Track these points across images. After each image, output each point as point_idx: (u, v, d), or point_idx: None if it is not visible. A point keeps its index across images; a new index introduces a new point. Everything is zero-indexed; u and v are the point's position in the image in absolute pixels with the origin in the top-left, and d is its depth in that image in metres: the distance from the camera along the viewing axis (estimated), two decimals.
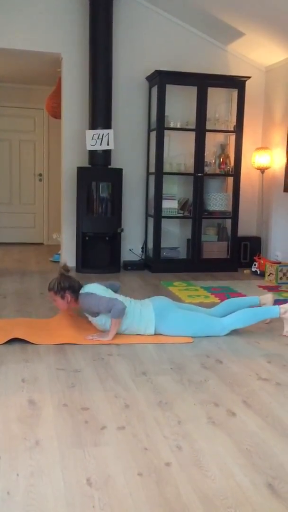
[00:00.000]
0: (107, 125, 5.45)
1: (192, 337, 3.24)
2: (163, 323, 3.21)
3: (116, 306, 3.08)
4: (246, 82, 5.65)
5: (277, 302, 4.34)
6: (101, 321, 3.20)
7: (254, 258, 5.73)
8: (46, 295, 4.35)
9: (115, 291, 3.43)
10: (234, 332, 3.41)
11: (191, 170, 5.63)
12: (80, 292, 3.22)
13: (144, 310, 3.23)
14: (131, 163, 5.83)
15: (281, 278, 5.17)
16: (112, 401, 2.31)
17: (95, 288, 3.23)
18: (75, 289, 3.24)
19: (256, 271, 5.59)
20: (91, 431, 2.03)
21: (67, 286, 3.22)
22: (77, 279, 3.33)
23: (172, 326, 3.22)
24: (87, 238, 5.57)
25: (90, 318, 3.25)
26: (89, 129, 5.46)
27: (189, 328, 3.24)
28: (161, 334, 3.24)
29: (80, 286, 3.26)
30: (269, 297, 3.58)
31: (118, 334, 3.19)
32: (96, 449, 1.89)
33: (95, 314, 3.18)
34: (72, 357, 2.87)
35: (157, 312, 3.22)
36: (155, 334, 3.23)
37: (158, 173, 5.49)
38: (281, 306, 3.36)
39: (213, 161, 5.83)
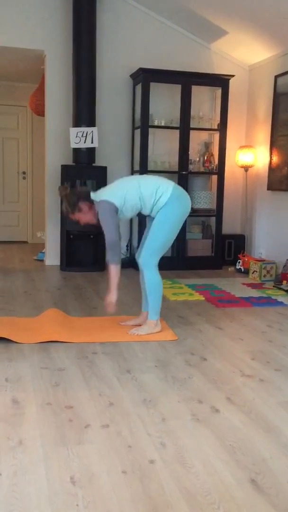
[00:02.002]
0: (91, 123, 5.43)
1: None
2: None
3: (111, 251, 3.05)
4: (230, 81, 5.67)
5: (260, 299, 4.38)
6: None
7: (238, 255, 5.77)
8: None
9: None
10: (218, 330, 3.43)
11: (176, 168, 5.64)
12: (95, 199, 3.14)
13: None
14: (116, 161, 5.82)
15: (264, 276, 5.21)
16: (96, 399, 2.31)
17: (110, 194, 3.12)
18: (86, 196, 3.16)
19: (240, 269, 5.62)
20: (75, 429, 2.02)
21: (75, 200, 3.14)
22: (83, 187, 3.24)
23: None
24: (71, 236, 5.55)
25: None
26: (73, 126, 5.44)
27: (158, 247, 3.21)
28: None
29: (88, 193, 3.18)
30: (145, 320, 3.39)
31: (105, 333, 3.18)
32: (80, 447, 1.89)
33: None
34: (56, 356, 2.85)
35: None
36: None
37: (142, 171, 5.48)
38: (155, 321, 3.28)
39: (198, 159, 5.85)
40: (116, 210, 3.11)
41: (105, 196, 3.13)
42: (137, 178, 3.31)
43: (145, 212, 3.21)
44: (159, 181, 3.20)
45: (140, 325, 3.34)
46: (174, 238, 3.27)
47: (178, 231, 3.26)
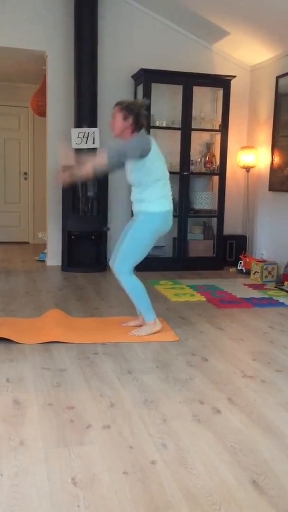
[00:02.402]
0: (93, 124, 5.43)
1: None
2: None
3: (99, 170, 3.03)
4: (231, 81, 5.67)
5: (261, 300, 4.37)
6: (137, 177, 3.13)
7: (240, 256, 5.76)
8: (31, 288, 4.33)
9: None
10: (219, 330, 3.43)
11: (177, 169, 5.64)
12: (140, 132, 3.15)
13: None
14: None
15: (266, 277, 5.20)
16: (97, 400, 2.31)
17: (150, 142, 3.12)
18: (139, 124, 3.14)
19: (241, 270, 5.62)
20: (76, 430, 2.02)
21: (136, 112, 3.12)
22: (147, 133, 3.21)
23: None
24: (72, 237, 5.55)
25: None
26: (75, 127, 5.44)
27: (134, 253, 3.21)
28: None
29: (148, 133, 3.16)
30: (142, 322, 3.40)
31: (106, 334, 3.18)
32: (81, 448, 1.89)
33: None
34: (57, 356, 2.85)
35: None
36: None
37: None
38: (153, 322, 3.29)
39: (199, 160, 5.85)
40: (145, 151, 3.07)
41: (150, 137, 3.14)
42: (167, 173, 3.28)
43: (136, 189, 3.20)
44: (169, 192, 3.23)
45: (141, 326, 3.35)
46: (149, 249, 3.26)
47: (154, 243, 3.27)
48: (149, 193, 3.15)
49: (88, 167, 3.06)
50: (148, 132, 5.42)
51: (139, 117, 3.14)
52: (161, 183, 3.18)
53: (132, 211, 5.75)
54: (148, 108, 5.36)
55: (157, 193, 3.16)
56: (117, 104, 3.18)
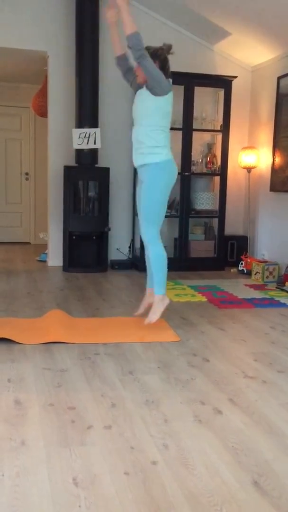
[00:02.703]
0: (94, 124, 5.43)
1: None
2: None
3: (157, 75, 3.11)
4: (233, 82, 5.67)
5: (263, 301, 4.37)
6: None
7: (241, 257, 5.76)
8: None
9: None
10: (221, 331, 3.42)
11: (178, 169, 5.58)
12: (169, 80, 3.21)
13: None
14: (118, 162, 5.82)
15: (267, 277, 5.20)
16: (98, 400, 2.31)
17: (171, 90, 3.21)
18: (165, 69, 3.22)
19: (243, 270, 5.62)
20: (78, 430, 2.02)
21: (161, 56, 3.20)
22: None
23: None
24: (74, 237, 5.55)
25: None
26: (76, 127, 5.44)
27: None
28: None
29: (169, 74, 3.23)
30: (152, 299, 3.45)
31: (108, 334, 3.18)
32: (83, 448, 1.89)
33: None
34: (59, 357, 2.85)
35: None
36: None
37: None
38: (163, 296, 3.34)
39: (200, 160, 5.85)
40: (166, 88, 3.18)
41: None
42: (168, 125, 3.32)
43: (141, 132, 3.25)
44: (167, 138, 3.27)
45: (150, 305, 3.38)
46: (166, 204, 3.31)
47: (168, 197, 3.31)
48: (160, 138, 3.20)
49: (129, 23, 3.16)
50: None
51: (165, 63, 3.22)
52: (167, 132, 3.25)
53: (133, 212, 5.76)
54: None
55: (165, 140, 3.23)
56: (145, 52, 3.21)
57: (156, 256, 3.30)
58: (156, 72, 3.13)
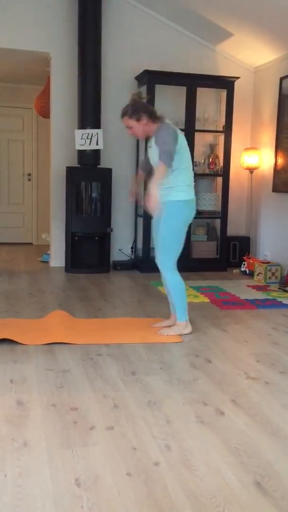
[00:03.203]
0: (96, 125, 5.44)
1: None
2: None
3: (167, 154, 2.99)
4: (235, 83, 5.67)
5: (265, 302, 4.37)
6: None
7: (243, 257, 5.75)
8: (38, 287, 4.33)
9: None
10: (223, 332, 3.42)
11: None
12: (164, 121, 3.15)
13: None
14: (121, 163, 5.82)
15: (269, 278, 5.20)
16: (101, 401, 2.31)
17: (177, 133, 3.14)
18: (153, 114, 3.15)
19: (245, 271, 5.61)
20: (80, 431, 2.02)
21: (140, 107, 3.12)
22: (153, 107, 3.25)
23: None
24: (76, 238, 5.56)
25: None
26: (78, 128, 5.45)
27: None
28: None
29: (158, 114, 3.17)
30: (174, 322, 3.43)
31: (110, 335, 3.18)
32: (85, 449, 1.89)
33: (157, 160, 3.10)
34: (61, 357, 2.86)
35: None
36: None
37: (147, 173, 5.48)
38: (186, 323, 3.33)
39: (202, 161, 5.85)
40: (176, 141, 3.08)
41: (173, 126, 3.16)
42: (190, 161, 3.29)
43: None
44: (192, 181, 3.26)
45: (170, 326, 3.38)
46: (183, 240, 3.29)
47: (185, 233, 3.30)
48: (179, 179, 3.17)
49: (162, 167, 3.04)
50: None
51: (147, 109, 3.16)
52: (188, 171, 3.23)
53: (135, 213, 5.76)
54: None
55: (185, 180, 3.20)
56: (123, 115, 3.18)
57: (174, 285, 3.29)
58: (167, 148, 3.04)
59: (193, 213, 3.30)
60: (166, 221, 3.20)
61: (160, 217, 3.23)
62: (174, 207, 3.17)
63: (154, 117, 3.17)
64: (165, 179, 3.12)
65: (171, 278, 3.28)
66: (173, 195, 3.17)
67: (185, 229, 3.29)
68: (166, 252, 3.25)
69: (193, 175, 3.31)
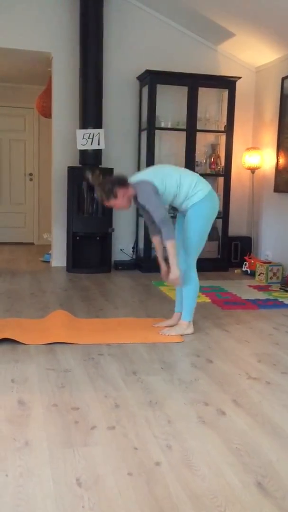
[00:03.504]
0: (98, 125, 5.44)
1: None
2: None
3: (165, 226, 3.02)
4: (237, 83, 5.67)
5: (266, 302, 4.36)
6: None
7: (245, 257, 5.75)
8: (37, 294, 4.34)
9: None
10: (224, 332, 3.42)
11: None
12: (132, 181, 3.13)
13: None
14: (122, 163, 5.82)
15: (271, 278, 5.19)
16: (102, 401, 2.31)
17: (149, 175, 3.13)
18: (121, 181, 3.13)
19: (246, 271, 5.61)
20: (81, 431, 2.02)
21: (111, 187, 3.10)
22: (117, 174, 3.23)
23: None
24: (77, 238, 5.56)
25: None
26: (80, 128, 5.45)
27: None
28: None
29: (125, 177, 3.16)
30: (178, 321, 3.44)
31: (112, 335, 3.18)
32: (86, 449, 1.89)
33: (152, 220, 3.13)
34: (62, 357, 2.86)
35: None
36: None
37: None
38: (189, 323, 3.34)
39: (204, 161, 5.85)
40: (157, 190, 3.08)
41: (145, 177, 3.13)
42: (176, 167, 3.29)
43: (176, 203, 3.22)
44: (198, 177, 3.24)
45: (172, 326, 3.38)
46: (206, 237, 3.30)
47: (209, 230, 3.30)
48: (186, 188, 3.16)
49: (170, 246, 3.08)
50: (153, 134, 5.45)
51: (115, 182, 3.12)
52: (185, 176, 3.19)
53: (136, 213, 5.75)
54: (152, 109, 5.39)
55: (191, 183, 3.17)
56: (102, 201, 3.18)
57: (189, 283, 3.29)
58: (156, 208, 3.07)
59: (216, 204, 3.27)
60: (191, 224, 3.20)
61: (183, 220, 3.25)
62: (195, 209, 3.17)
63: (125, 183, 3.14)
64: (176, 200, 3.17)
65: (188, 277, 3.29)
66: (193, 200, 3.17)
67: (210, 225, 3.29)
68: (190, 252, 3.26)
69: (191, 171, 3.30)
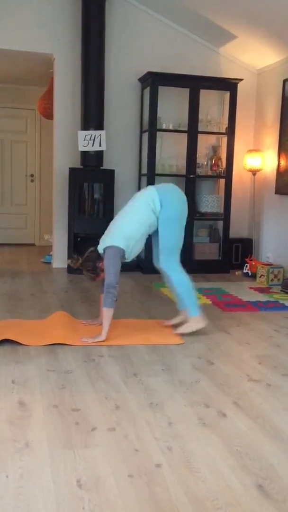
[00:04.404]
0: (99, 126, 5.44)
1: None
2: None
3: (109, 293, 3.10)
4: (238, 85, 5.67)
5: (267, 304, 4.36)
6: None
7: (246, 259, 5.75)
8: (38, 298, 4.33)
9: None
10: (225, 334, 3.42)
11: (183, 172, 5.64)
12: (101, 248, 3.23)
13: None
14: (123, 164, 5.83)
15: (272, 280, 5.19)
16: (102, 402, 2.31)
17: (115, 240, 3.20)
18: (98, 256, 3.25)
19: (247, 273, 5.61)
20: (82, 432, 2.02)
21: (92, 263, 3.24)
22: (88, 253, 3.30)
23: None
24: (78, 239, 5.56)
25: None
26: (81, 130, 5.45)
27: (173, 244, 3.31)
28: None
29: (97, 250, 3.25)
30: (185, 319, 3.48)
31: (111, 335, 3.18)
32: (87, 450, 1.89)
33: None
34: (63, 358, 2.86)
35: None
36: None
37: (150, 174, 5.49)
38: (198, 318, 3.35)
39: (205, 162, 5.85)
40: (122, 253, 3.19)
41: (109, 242, 3.21)
42: (132, 211, 3.31)
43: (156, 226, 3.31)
44: (146, 197, 3.28)
45: (181, 323, 3.40)
46: (183, 232, 3.35)
47: (184, 224, 3.36)
48: (155, 214, 3.26)
49: (106, 312, 3.14)
50: (155, 135, 5.45)
51: (96, 261, 3.25)
52: (149, 211, 3.25)
53: None
54: (154, 111, 5.39)
55: (155, 204, 3.26)
56: (91, 278, 3.32)
57: (179, 283, 3.34)
58: (111, 269, 3.16)
59: (180, 199, 3.34)
60: (165, 229, 3.27)
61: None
62: (163, 215, 3.24)
63: (100, 256, 3.25)
64: (136, 233, 3.22)
65: (177, 277, 3.33)
66: (158, 207, 3.24)
67: (184, 221, 3.35)
68: (169, 251, 3.31)
69: (149, 191, 3.33)
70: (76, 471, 1.75)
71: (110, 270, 3.15)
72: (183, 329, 3.33)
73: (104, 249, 3.22)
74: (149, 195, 3.27)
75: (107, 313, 3.13)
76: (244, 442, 1.98)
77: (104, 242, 3.24)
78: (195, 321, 3.35)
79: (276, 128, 5.60)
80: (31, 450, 1.88)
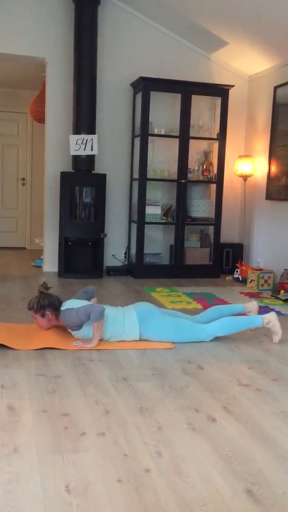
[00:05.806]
0: (91, 130, 5.45)
1: (175, 342, 3.24)
2: (147, 328, 3.21)
3: (94, 309, 3.07)
4: (230, 91, 5.71)
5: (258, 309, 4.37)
6: (83, 332, 3.15)
7: (236, 264, 5.77)
8: (29, 313, 4.31)
9: (92, 296, 3.44)
10: (216, 338, 3.42)
11: (175, 177, 5.66)
12: (60, 309, 3.19)
13: (127, 316, 3.22)
14: (115, 169, 5.84)
15: (262, 285, 5.21)
16: (92, 407, 2.30)
17: (72, 303, 3.22)
18: (55, 306, 3.19)
19: (238, 278, 5.63)
20: (71, 437, 2.01)
21: (47, 304, 3.17)
22: (57, 296, 3.25)
23: (157, 331, 3.22)
24: (69, 243, 5.55)
25: (73, 333, 3.20)
26: (73, 134, 5.46)
27: (174, 333, 3.25)
28: (146, 340, 3.23)
29: (61, 303, 3.22)
30: (254, 305, 3.62)
31: (102, 342, 3.18)
32: (76, 455, 1.88)
33: (77, 327, 3.15)
34: (53, 363, 2.84)
35: (141, 317, 3.21)
36: (140, 339, 3.22)
37: (141, 179, 5.50)
38: (264, 316, 3.38)
39: (197, 168, 5.87)
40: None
41: (66, 306, 3.19)
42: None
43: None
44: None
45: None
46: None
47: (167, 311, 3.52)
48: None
49: (96, 325, 3.10)
50: (147, 140, 5.47)
51: (53, 304, 3.18)
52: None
53: (129, 218, 5.75)
54: (146, 116, 5.41)
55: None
56: (29, 308, 3.23)
57: (226, 328, 3.35)
58: (84, 311, 3.10)
59: None
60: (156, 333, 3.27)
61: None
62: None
63: (57, 310, 3.19)
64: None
65: (215, 333, 3.34)
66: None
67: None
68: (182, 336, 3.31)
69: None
70: (65, 476, 1.74)
71: (81, 314, 3.07)
72: (276, 337, 3.38)
73: (61, 312, 3.17)
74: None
75: (97, 325, 3.09)
76: (233, 447, 1.98)
77: (67, 304, 3.21)
78: (272, 320, 3.36)
79: (267, 134, 5.64)
80: (19, 455, 1.86)
